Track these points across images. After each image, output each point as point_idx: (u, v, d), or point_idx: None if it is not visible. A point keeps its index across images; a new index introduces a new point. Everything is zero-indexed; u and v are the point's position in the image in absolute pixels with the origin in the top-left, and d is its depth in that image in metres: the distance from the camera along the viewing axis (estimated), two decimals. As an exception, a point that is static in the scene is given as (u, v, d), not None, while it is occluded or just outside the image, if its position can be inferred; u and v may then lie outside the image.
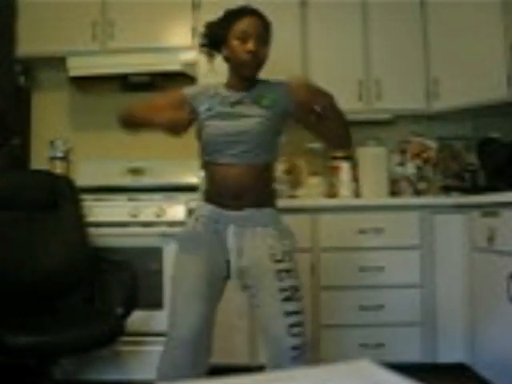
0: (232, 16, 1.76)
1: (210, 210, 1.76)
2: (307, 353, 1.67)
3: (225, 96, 1.78)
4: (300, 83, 1.70)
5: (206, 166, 1.82)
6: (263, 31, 1.75)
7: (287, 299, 1.65)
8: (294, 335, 1.63)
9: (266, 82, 1.83)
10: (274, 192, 1.85)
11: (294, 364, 1.60)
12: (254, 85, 1.81)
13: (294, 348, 1.62)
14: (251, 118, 1.73)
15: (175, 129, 1.70)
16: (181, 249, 1.80)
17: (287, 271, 1.69)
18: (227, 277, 1.78)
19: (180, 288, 1.74)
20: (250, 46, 1.71)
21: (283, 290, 1.66)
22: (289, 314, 1.64)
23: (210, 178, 1.81)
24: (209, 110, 1.77)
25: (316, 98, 1.64)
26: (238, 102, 1.76)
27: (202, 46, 1.84)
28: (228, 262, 1.75)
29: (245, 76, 1.78)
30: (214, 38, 1.79)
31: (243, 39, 1.72)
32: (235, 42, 1.73)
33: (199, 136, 1.81)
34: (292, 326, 1.63)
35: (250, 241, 1.72)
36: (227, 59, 1.79)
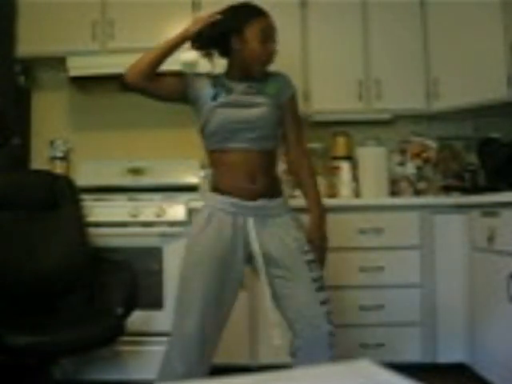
0: (249, 11, 1.80)
1: (225, 202, 1.76)
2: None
3: (230, 86, 1.81)
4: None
5: (214, 154, 1.83)
6: (275, 31, 1.84)
7: (320, 289, 1.73)
8: (330, 322, 1.71)
9: (266, 72, 1.88)
10: (280, 180, 1.91)
11: (331, 350, 1.70)
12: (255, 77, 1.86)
13: (331, 334, 1.70)
14: (260, 107, 1.78)
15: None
16: (192, 246, 1.78)
17: (314, 262, 1.76)
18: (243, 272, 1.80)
19: (189, 288, 1.73)
20: (273, 47, 1.81)
21: (315, 280, 1.73)
22: (323, 302, 1.72)
23: (220, 165, 1.81)
24: (214, 98, 1.79)
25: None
26: (246, 92, 1.80)
27: (207, 39, 1.80)
28: (249, 255, 1.76)
29: (257, 73, 1.83)
30: (226, 27, 1.78)
31: (263, 39, 1.78)
32: (255, 40, 1.77)
33: (204, 125, 1.81)
34: (328, 313, 1.72)
35: (274, 232, 1.75)
36: (237, 51, 1.79)
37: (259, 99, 1.79)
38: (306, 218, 2.75)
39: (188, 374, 1.69)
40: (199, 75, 1.90)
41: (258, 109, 1.78)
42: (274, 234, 1.76)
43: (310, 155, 1.95)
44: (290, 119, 1.88)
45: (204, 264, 1.73)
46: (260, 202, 1.76)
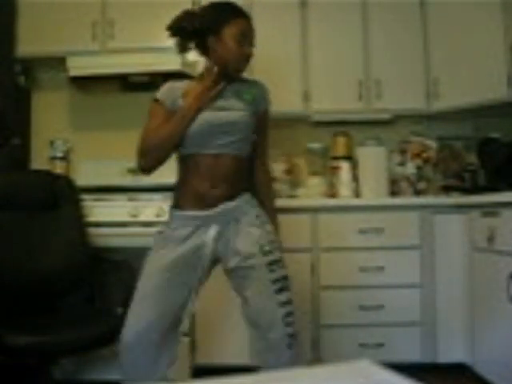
0: (229, 11, 1.76)
1: (184, 216, 1.77)
2: (300, 344, 1.73)
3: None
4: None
5: (187, 158, 1.79)
6: (254, 35, 1.81)
7: (280, 290, 1.70)
8: (289, 324, 1.69)
9: (243, 79, 1.86)
10: (250, 183, 1.86)
11: (290, 350, 1.68)
12: (232, 79, 1.82)
13: (289, 336, 1.69)
14: (234, 111, 1.75)
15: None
16: (153, 250, 1.81)
17: (277, 262, 1.73)
18: (202, 276, 1.78)
19: (137, 291, 1.75)
20: (250, 50, 1.78)
21: (276, 280, 1.70)
22: (283, 304, 1.69)
23: (188, 172, 1.77)
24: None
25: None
26: (221, 95, 1.77)
27: (181, 31, 1.78)
28: (207, 263, 1.75)
29: (234, 76, 1.80)
30: (204, 25, 1.74)
31: (241, 41, 1.74)
32: (232, 42, 1.73)
33: None
34: (286, 315, 1.69)
35: (236, 239, 1.73)
36: (213, 51, 1.76)
37: (233, 104, 1.76)
38: (306, 218, 2.78)
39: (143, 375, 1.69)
40: (168, 91, 1.81)
41: (232, 113, 1.74)
42: (241, 232, 1.73)
43: (270, 171, 1.98)
44: (259, 133, 1.86)
45: (154, 269, 1.75)
46: (221, 208, 1.73)
